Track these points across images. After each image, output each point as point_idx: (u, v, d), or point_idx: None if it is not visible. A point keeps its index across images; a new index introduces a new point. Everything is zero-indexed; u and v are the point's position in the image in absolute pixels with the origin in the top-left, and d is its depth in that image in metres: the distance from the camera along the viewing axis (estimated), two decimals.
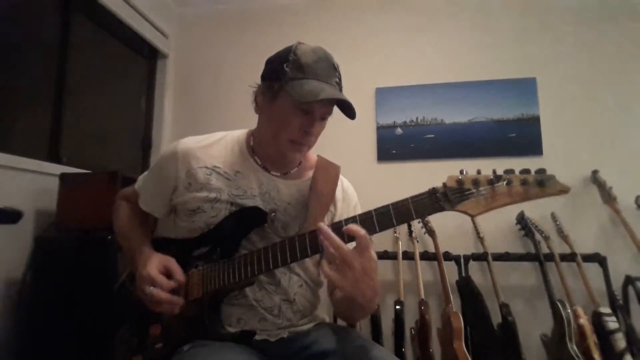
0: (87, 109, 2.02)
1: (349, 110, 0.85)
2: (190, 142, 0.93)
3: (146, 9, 2.27)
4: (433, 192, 0.69)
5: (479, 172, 0.67)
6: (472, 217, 0.67)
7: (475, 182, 0.66)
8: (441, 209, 0.68)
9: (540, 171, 0.64)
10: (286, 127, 0.85)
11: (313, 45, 0.87)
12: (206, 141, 0.95)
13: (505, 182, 0.65)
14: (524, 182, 0.64)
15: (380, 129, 2.26)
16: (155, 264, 0.84)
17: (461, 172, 0.68)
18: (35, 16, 1.75)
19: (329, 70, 0.84)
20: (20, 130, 1.69)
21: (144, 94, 2.50)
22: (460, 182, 0.67)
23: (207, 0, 2.54)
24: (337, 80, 0.86)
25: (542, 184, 0.63)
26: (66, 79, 1.85)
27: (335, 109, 0.88)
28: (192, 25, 2.60)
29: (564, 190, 0.64)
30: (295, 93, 0.80)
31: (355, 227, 0.69)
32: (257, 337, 0.85)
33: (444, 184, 0.68)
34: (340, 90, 0.87)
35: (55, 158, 1.78)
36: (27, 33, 1.71)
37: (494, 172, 0.66)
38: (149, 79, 2.53)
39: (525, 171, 0.65)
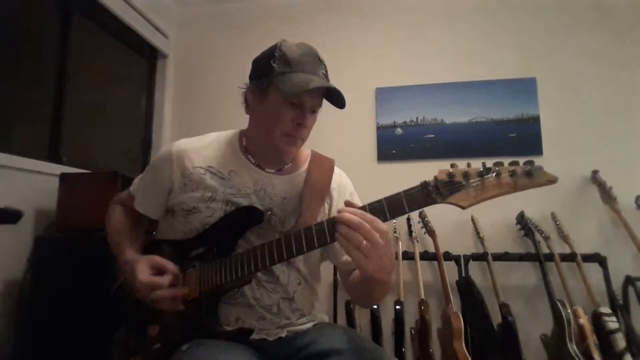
0: (87, 109, 2.02)
1: (338, 101, 0.86)
2: (183, 144, 0.94)
3: (146, 9, 2.27)
4: (425, 185, 0.70)
5: (468, 165, 0.69)
6: (464, 208, 0.67)
7: (466, 175, 0.67)
8: (433, 201, 0.69)
9: (529, 162, 0.66)
10: (279, 121, 0.85)
11: (297, 41, 0.88)
12: (199, 142, 0.96)
13: (494, 174, 0.66)
14: (512, 174, 0.65)
15: (380, 129, 2.26)
16: (144, 269, 0.83)
17: (452, 165, 0.70)
18: (35, 16, 1.75)
19: (315, 63, 0.85)
20: (20, 130, 1.69)
21: (144, 94, 2.50)
22: (450, 175, 0.68)
23: (207, 0, 2.54)
24: (324, 72, 0.86)
25: (530, 175, 0.65)
26: (66, 79, 1.85)
27: (328, 105, 0.88)
28: (192, 25, 2.60)
29: (551, 180, 0.65)
30: (284, 86, 0.81)
31: (351, 204, 0.70)
32: (255, 337, 0.85)
33: (435, 177, 0.70)
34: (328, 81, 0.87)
35: (55, 158, 1.79)
36: (27, 33, 1.71)
37: (484, 164, 0.68)
38: (149, 79, 2.53)
39: (514, 163, 0.67)
